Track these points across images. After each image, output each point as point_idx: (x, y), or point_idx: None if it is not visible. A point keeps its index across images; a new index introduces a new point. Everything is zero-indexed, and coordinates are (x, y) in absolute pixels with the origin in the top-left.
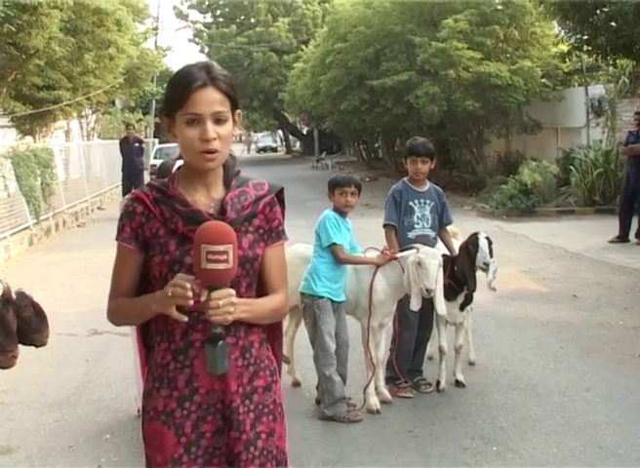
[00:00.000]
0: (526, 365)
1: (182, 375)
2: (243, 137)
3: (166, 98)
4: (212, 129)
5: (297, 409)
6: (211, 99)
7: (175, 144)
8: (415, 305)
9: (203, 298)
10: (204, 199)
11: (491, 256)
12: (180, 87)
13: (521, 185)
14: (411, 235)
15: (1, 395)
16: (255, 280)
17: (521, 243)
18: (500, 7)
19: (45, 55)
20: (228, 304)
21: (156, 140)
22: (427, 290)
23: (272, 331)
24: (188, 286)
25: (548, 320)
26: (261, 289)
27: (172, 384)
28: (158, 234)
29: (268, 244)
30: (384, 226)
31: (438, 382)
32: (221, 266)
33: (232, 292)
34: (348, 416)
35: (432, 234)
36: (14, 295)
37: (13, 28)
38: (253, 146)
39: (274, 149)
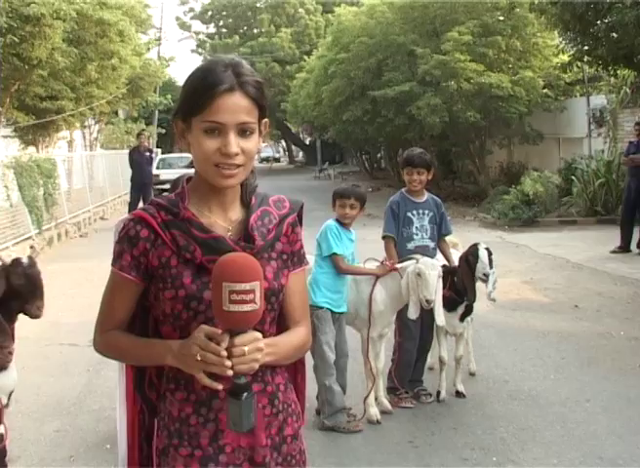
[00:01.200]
0: (526, 375)
1: (206, 431)
2: None
3: (183, 100)
4: (235, 142)
5: None
6: (237, 107)
7: (179, 155)
8: (412, 314)
9: (224, 345)
10: (221, 221)
11: (490, 267)
12: (202, 89)
13: (523, 196)
14: (410, 246)
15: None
16: (277, 313)
17: (523, 253)
18: (502, 18)
19: (48, 65)
20: (255, 351)
21: (159, 150)
22: (427, 300)
23: (294, 364)
24: (225, 353)
25: (549, 330)
26: (281, 320)
27: (193, 441)
28: (169, 264)
29: (290, 270)
30: (383, 238)
31: (438, 393)
32: (247, 307)
33: (259, 335)
34: (348, 427)
35: (432, 245)
36: (8, 261)
37: (16, 39)
38: (255, 156)
39: (277, 159)
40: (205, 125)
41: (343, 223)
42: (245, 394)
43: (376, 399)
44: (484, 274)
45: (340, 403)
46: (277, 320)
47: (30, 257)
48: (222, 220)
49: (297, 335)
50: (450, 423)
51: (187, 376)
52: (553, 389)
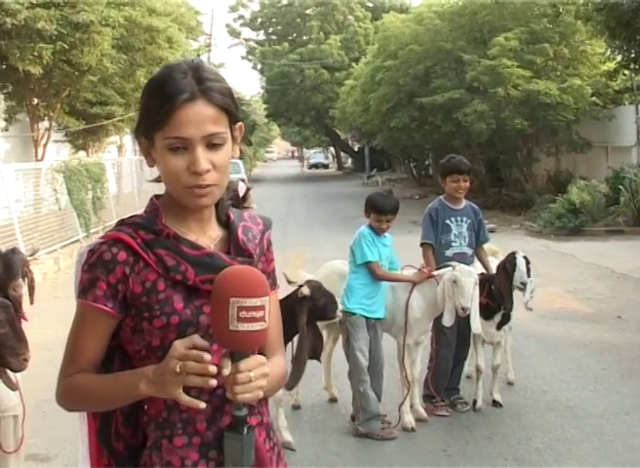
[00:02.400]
0: (565, 386)
1: None
2: (296, 154)
3: (141, 115)
4: (204, 157)
5: (332, 425)
6: (201, 118)
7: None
8: (447, 321)
9: (227, 371)
10: (203, 240)
11: (528, 276)
12: (160, 101)
13: (569, 204)
14: (448, 253)
15: (42, 404)
16: None
17: (567, 262)
18: (549, 25)
19: (98, 71)
20: (261, 377)
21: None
22: (463, 308)
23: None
24: (208, 357)
25: (591, 341)
26: None
27: None
28: (156, 289)
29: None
30: (422, 245)
31: (475, 401)
32: (257, 326)
33: (264, 359)
34: (382, 434)
35: (470, 252)
36: None
37: (66, 46)
38: (305, 163)
39: (326, 166)
40: (168, 142)
41: (378, 232)
42: (246, 428)
43: (411, 406)
44: (521, 283)
45: (374, 409)
46: None
47: (14, 248)
48: (203, 239)
49: (280, 365)
50: (485, 432)
51: (185, 418)
52: (592, 400)
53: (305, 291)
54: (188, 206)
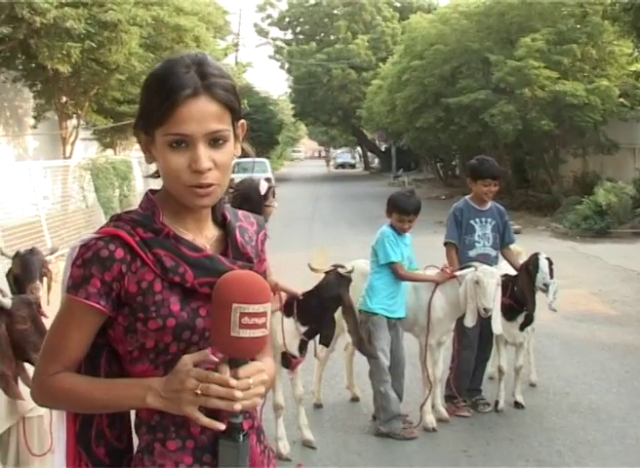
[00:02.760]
0: (588, 388)
1: None
2: (322, 153)
3: (141, 109)
4: (206, 155)
5: (353, 424)
6: (204, 115)
7: (253, 159)
8: (469, 322)
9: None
10: (200, 239)
11: (551, 277)
12: (162, 95)
13: (596, 206)
14: (472, 253)
15: None
16: None
17: (593, 264)
18: (577, 25)
19: (125, 70)
20: (259, 383)
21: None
22: (485, 309)
23: None
24: (234, 382)
25: (615, 343)
26: None
27: None
28: (152, 290)
29: None
30: (445, 244)
31: (497, 402)
32: (259, 333)
33: (262, 366)
34: (403, 433)
35: (493, 253)
36: (7, 303)
37: (94, 45)
38: (331, 162)
39: (352, 165)
40: (169, 138)
41: (400, 232)
42: (241, 435)
43: (433, 406)
44: (544, 284)
45: (395, 409)
46: None
47: (33, 248)
48: (200, 239)
49: (270, 367)
50: (506, 434)
51: (179, 421)
52: (615, 403)
53: (349, 267)
54: (188, 205)
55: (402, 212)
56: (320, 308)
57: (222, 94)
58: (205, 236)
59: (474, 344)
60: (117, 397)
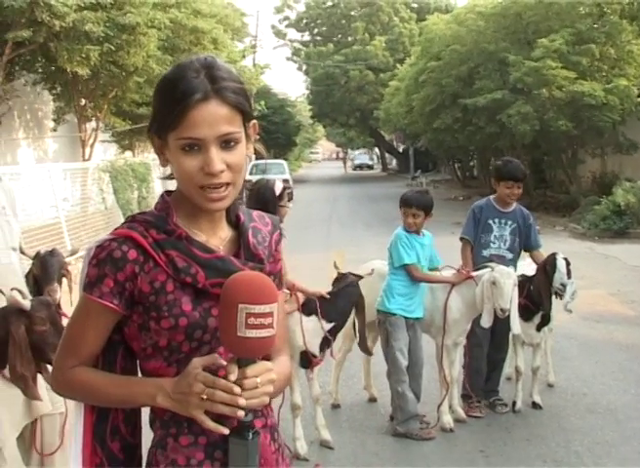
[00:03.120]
0: (606, 389)
1: None
2: (340, 155)
3: (154, 114)
4: (218, 158)
5: (370, 425)
6: (215, 118)
7: (272, 161)
8: (486, 322)
9: (233, 377)
10: (213, 241)
11: (569, 277)
12: (172, 100)
13: (614, 206)
14: (485, 253)
15: None
16: None
17: (611, 265)
18: (596, 25)
19: (144, 72)
20: (267, 383)
21: (253, 156)
22: (502, 309)
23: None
24: (238, 390)
25: (633, 343)
26: None
27: None
28: (165, 290)
29: None
30: (461, 239)
31: (514, 403)
32: (265, 333)
33: (270, 365)
34: (421, 434)
35: (509, 256)
36: (26, 304)
37: (113, 47)
38: (349, 164)
39: (370, 167)
40: (181, 142)
41: (410, 231)
42: (251, 433)
43: (450, 407)
44: (561, 284)
45: (413, 409)
46: None
47: (53, 249)
48: (213, 240)
49: (285, 365)
50: (524, 434)
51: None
52: (633, 404)
53: (368, 270)
54: (203, 208)
55: (405, 204)
56: (347, 307)
57: (232, 97)
58: (219, 237)
59: (483, 343)
60: (131, 393)
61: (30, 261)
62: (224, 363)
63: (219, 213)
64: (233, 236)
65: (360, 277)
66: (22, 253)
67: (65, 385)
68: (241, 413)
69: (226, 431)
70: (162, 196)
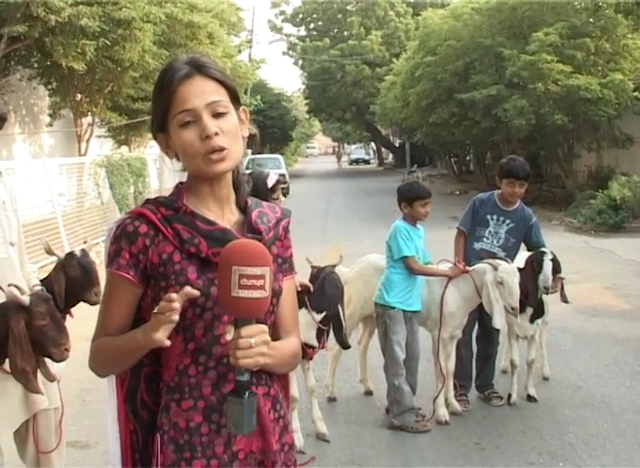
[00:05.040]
0: (601, 382)
1: (220, 438)
2: (337, 149)
3: (153, 109)
4: (211, 123)
5: (366, 418)
6: (202, 89)
7: (268, 155)
8: (498, 324)
9: (229, 336)
10: (220, 221)
11: (558, 272)
12: (162, 86)
13: (610, 200)
14: (476, 246)
15: (83, 393)
16: (274, 319)
17: (607, 258)
18: (591, 19)
19: (139, 67)
20: (261, 343)
21: (249, 151)
22: (513, 308)
23: (279, 380)
24: (175, 296)
25: (628, 337)
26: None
27: (208, 451)
28: (172, 260)
29: (283, 276)
30: (457, 228)
31: (509, 396)
32: (257, 294)
33: (265, 328)
34: (416, 426)
35: (501, 253)
36: (25, 299)
37: (108, 42)
38: (344, 158)
39: (367, 161)
40: (177, 119)
41: (414, 223)
42: (247, 393)
43: (445, 400)
44: (545, 287)
45: (409, 402)
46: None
47: (83, 249)
48: (221, 220)
49: (292, 343)
50: (519, 427)
51: (193, 383)
52: (627, 397)
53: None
54: (207, 174)
55: (414, 197)
56: (334, 294)
57: (216, 72)
58: (227, 219)
59: (467, 338)
60: (127, 339)
61: (37, 260)
62: (197, 293)
63: (225, 192)
64: (240, 219)
65: (334, 265)
66: (48, 252)
67: (92, 356)
68: (175, 318)
69: (167, 343)
70: (176, 185)
